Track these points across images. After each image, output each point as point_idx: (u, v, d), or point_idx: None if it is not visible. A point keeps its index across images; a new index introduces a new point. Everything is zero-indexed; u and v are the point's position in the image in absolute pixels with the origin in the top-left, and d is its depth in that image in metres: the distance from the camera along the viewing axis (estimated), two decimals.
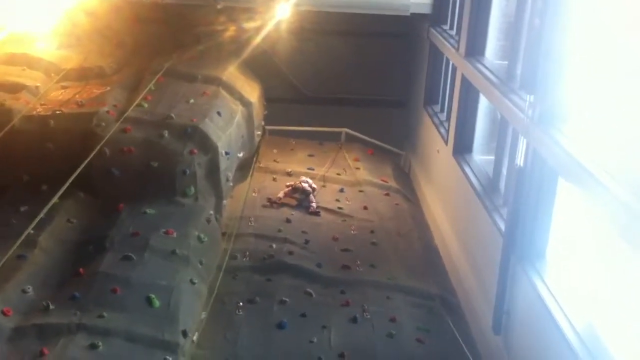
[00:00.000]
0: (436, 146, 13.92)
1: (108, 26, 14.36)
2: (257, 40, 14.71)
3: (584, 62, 8.15)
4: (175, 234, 10.20)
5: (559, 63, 8.32)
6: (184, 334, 8.66)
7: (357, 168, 14.87)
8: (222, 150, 11.75)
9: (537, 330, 8.22)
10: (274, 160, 14.97)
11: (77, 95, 12.55)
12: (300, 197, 13.11)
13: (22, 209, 10.28)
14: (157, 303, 8.83)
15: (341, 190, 13.87)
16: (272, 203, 12.99)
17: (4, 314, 8.30)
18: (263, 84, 15.47)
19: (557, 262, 8.52)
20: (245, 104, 13.89)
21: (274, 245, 11.42)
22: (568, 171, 7.59)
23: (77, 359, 7.86)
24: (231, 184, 12.53)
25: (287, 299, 10.04)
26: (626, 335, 6.72)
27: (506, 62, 10.83)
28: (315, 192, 13.35)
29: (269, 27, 14.70)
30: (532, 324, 8.46)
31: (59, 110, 11.84)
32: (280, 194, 13.12)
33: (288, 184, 13.45)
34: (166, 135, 11.47)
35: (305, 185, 13.25)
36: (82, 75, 13.48)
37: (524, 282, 8.62)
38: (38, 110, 11.90)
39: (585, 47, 8.12)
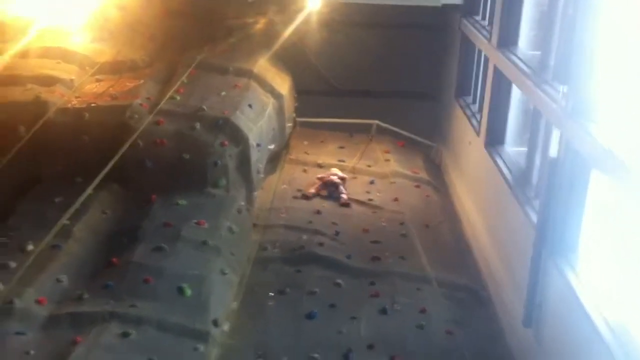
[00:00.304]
0: (468, 138, 13.81)
1: (139, 20, 14.51)
2: (288, 32, 14.73)
3: (619, 52, 8.02)
4: (206, 225, 10.31)
5: (592, 53, 8.18)
6: (215, 323, 8.76)
7: (388, 160, 14.84)
8: (253, 142, 11.83)
9: (568, 324, 8.13)
10: (305, 152, 15.00)
11: (110, 88, 12.73)
12: (330, 189, 13.13)
13: (57, 200, 10.47)
14: (188, 292, 8.94)
15: (372, 182, 13.86)
16: (304, 197, 13.01)
17: (39, 302, 8.49)
18: (293, 76, 15.51)
19: (590, 255, 8.41)
20: (276, 96, 13.95)
21: (304, 237, 11.46)
22: (602, 163, 7.48)
23: (110, 346, 8.00)
24: (262, 176, 12.61)
25: (317, 290, 10.08)
26: None
27: (539, 53, 10.69)
28: (345, 183, 13.35)
29: (299, 20, 14.71)
30: (563, 317, 8.37)
31: (93, 103, 12.02)
32: (312, 189, 13.14)
33: (319, 176, 13.47)
34: (198, 127, 11.57)
35: (334, 178, 13.26)
36: (116, 68, 13.66)
37: (556, 275, 8.53)
38: (73, 103, 12.10)
39: (619, 37, 7.99)
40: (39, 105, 11.64)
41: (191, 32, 15.01)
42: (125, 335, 8.17)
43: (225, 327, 9.02)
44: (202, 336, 8.51)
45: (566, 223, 8.60)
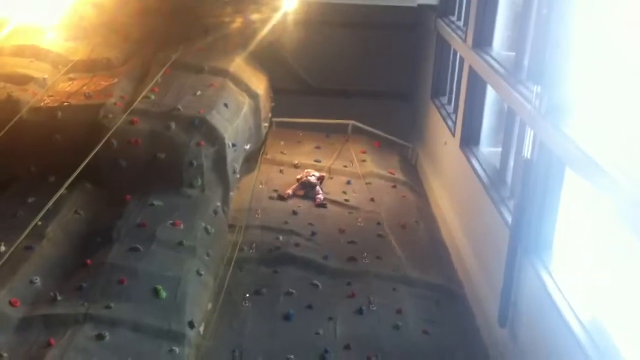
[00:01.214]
0: (443, 138, 13.89)
1: (114, 18, 14.37)
2: (264, 32, 14.69)
3: (592, 52, 8.11)
4: (182, 226, 10.23)
5: (566, 54, 8.28)
6: (191, 324, 8.70)
7: (364, 160, 14.86)
8: (229, 142, 11.76)
9: (543, 323, 8.21)
10: (281, 152, 14.97)
11: (84, 87, 12.58)
12: (307, 190, 13.13)
13: (30, 200, 10.35)
14: (163, 294, 8.87)
15: (348, 183, 13.86)
16: (280, 198, 12.99)
17: (12, 304, 8.36)
18: (270, 75, 15.46)
19: (564, 254, 8.49)
20: (252, 95, 13.89)
21: (281, 237, 11.43)
22: (575, 162, 7.57)
23: (84, 349, 7.91)
24: (238, 176, 12.55)
25: (294, 291, 10.06)
26: (632, 327, 6.70)
27: (513, 53, 10.78)
28: (323, 182, 13.35)
29: (275, 19, 14.67)
30: (538, 316, 8.45)
31: (66, 102, 11.88)
32: (289, 190, 13.12)
33: (298, 177, 13.45)
34: (173, 126, 11.49)
35: (311, 178, 13.26)
36: (90, 67, 13.51)
37: (531, 274, 8.61)
38: (46, 101, 11.95)
39: (592, 38, 8.08)
40: (12, 104, 11.48)
41: (167, 31, 14.90)
42: (99, 337, 8.08)
43: (201, 328, 8.96)
44: (178, 338, 8.44)
45: (541, 222, 8.69)
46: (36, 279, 8.87)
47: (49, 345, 7.84)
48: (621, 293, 7.03)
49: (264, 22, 14.72)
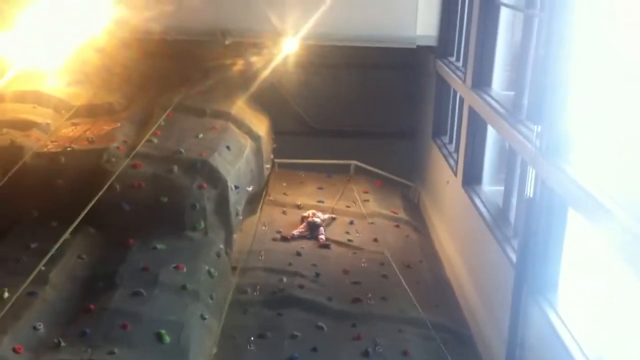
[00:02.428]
0: (445, 177, 13.91)
1: (116, 62, 14.53)
2: (265, 74, 14.84)
3: (590, 90, 8.17)
4: (185, 269, 10.21)
5: (565, 93, 8.34)
6: None
7: (367, 200, 14.88)
8: (231, 185, 11.80)
9: None
10: (284, 193, 15.00)
11: (87, 132, 12.69)
12: (312, 230, 13.13)
13: (32, 245, 10.35)
14: (167, 339, 8.80)
15: (351, 223, 13.86)
16: (284, 239, 12.97)
17: (15, 351, 8.29)
18: (271, 117, 15.59)
19: (570, 293, 8.44)
20: (254, 137, 13.98)
21: (285, 279, 11.39)
22: (577, 201, 7.57)
23: None
24: (241, 218, 12.55)
25: (298, 334, 9.98)
26: None
27: (512, 93, 10.87)
28: (330, 222, 13.34)
29: (276, 61, 14.83)
30: (545, 357, 8.36)
31: (69, 147, 11.95)
32: (295, 232, 13.11)
33: (304, 214, 13.46)
34: (175, 170, 11.54)
35: (317, 219, 13.29)
36: (92, 111, 13.64)
37: (537, 313, 8.54)
38: (49, 147, 12.03)
39: (589, 76, 8.15)
40: (15, 150, 11.56)
41: (168, 74, 15.08)
42: None
43: None
44: None
45: (545, 261, 8.65)
46: (39, 325, 8.81)
47: None
48: (628, 332, 6.97)
49: (265, 64, 14.88)
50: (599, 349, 7.37)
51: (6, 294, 9.01)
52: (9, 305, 8.24)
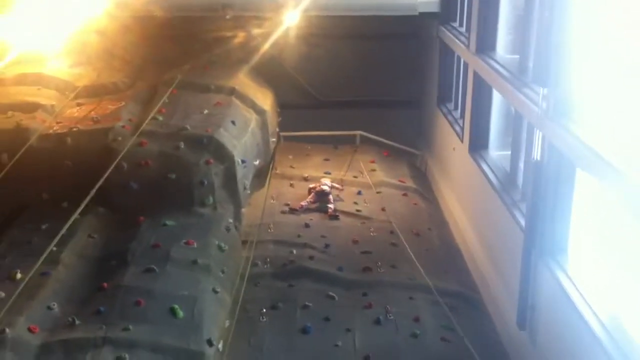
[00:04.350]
0: (452, 144, 13.89)
1: (117, 44, 14.47)
2: (267, 47, 14.76)
3: (595, 51, 8.11)
4: (195, 244, 10.27)
5: (570, 54, 8.27)
6: (209, 342, 8.70)
7: (374, 170, 14.88)
8: (238, 159, 11.81)
9: (562, 324, 8.17)
10: (290, 166, 15.01)
11: (92, 112, 12.69)
12: (322, 199, 13.14)
13: (43, 226, 10.42)
14: (180, 313, 8.88)
15: (359, 193, 13.88)
16: (294, 210, 13.01)
17: (31, 331, 8.39)
18: (275, 90, 15.54)
19: (579, 254, 8.46)
20: (259, 112, 13.96)
21: (294, 251, 11.45)
22: (585, 161, 7.54)
23: None
24: (249, 192, 12.58)
25: (310, 304, 10.06)
26: None
27: (517, 56, 10.78)
28: (340, 191, 13.32)
29: (277, 34, 14.74)
30: (557, 318, 8.41)
31: (75, 128, 11.96)
32: (303, 202, 13.14)
33: (311, 186, 13.48)
34: (182, 146, 11.55)
35: (325, 187, 13.28)
36: (96, 91, 13.64)
37: (547, 276, 8.57)
38: (54, 128, 12.04)
39: (595, 37, 8.08)
40: (21, 132, 11.58)
41: (170, 51, 15.01)
42: (119, 359, 8.09)
43: (220, 345, 8.96)
44: (197, 356, 8.45)
45: (554, 224, 8.66)
46: (54, 305, 8.91)
47: None
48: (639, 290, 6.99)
49: (266, 36, 14.80)
50: (611, 310, 7.40)
51: (19, 275, 9.10)
52: (22, 285, 8.34)
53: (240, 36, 15.00)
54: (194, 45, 15.06)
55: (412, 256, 11.21)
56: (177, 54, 14.94)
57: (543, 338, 8.85)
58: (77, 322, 8.63)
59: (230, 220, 11.36)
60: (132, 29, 14.35)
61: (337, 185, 13.77)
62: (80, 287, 9.47)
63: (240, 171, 11.85)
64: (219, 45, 15.02)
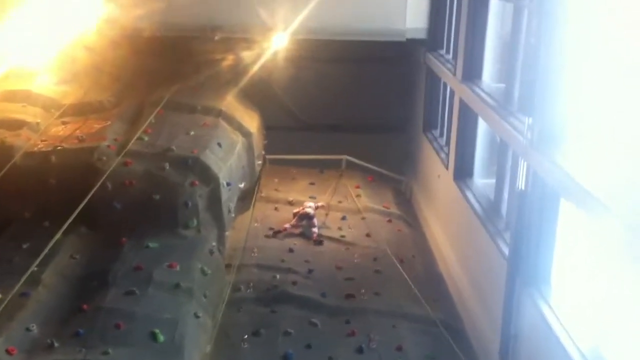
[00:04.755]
0: (437, 171, 13.92)
1: (106, 60, 14.46)
2: (255, 69, 14.79)
3: (582, 81, 8.18)
4: (178, 267, 10.19)
5: (555, 84, 8.34)
6: None
7: (358, 195, 14.88)
8: (223, 181, 11.77)
9: (543, 355, 8.15)
10: (276, 190, 14.98)
11: (77, 131, 12.62)
12: (304, 224, 13.10)
13: (25, 245, 10.31)
14: (161, 338, 8.79)
15: (343, 218, 13.86)
16: (277, 233, 12.97)
17: (9, 353, 8.26)
18: (262, 112, 15.55)
19: (563, 285, 8.47)
20: (245, 134, 13.95)
21: (278, 276, 11.39)
22: (569, 192, 7.58)
23: None
24: (233, 215, 12.53)
25: (292, 330, 9.99)
26: (632, 356, 6.67)
27: (503, 85, 10.87)
28: (317, 210, 13.33)
29: (266, 56, 14.78)
30: (539, 348, 8.39)
31: (59, 146, 11.89)
32: (287, 225, 13.11)
33: (295, 211, 13.45)
34: (167, 167, 11.50)
35: (309, 210, 13.24)
36: (82, 110, 13.58)
37: (530, 306, 8.57)
38: (39, 146, 11.97)
39: (581, 67, 8.15)
40: (5, 150, 11.50)
41: (158, 72, 15.00)
42: None
43: None
44: None
45: (538, 254, 8.67)
46: (32, 326, 8.79)
47: None
48: (621, 322, 6.99)
49: (255, 59, 14.82)
50: (592, 341, 7.40)
51: None
52: (2, 306, 8.20)
53: (229, 59, 15.03)
54: (184, 67, 15.07)
55: (399, 283, 11.16)
56: (166, 74, 14.93)
57: None
58: (55, 344, 8.52)
59: (214, 244, 11.29)
60: (121, 44, 14.34)
61: (321, 204, 13.68)
62: (60, 308, 9.35)
63: (225, 194, 11.80)
64: (208, 67, 15.03)
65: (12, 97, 13.54)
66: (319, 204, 13.60)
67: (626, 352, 6.83)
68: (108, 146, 11.94)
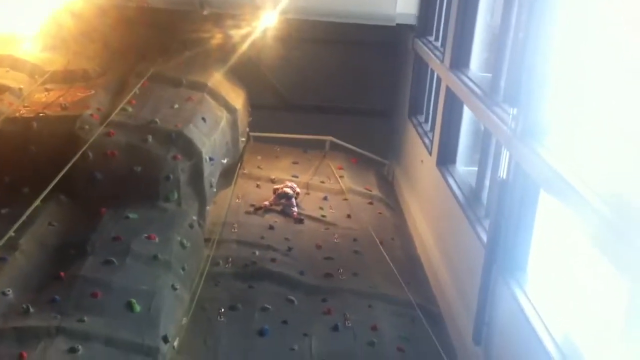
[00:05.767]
0: (420, 156, 13.99)
1: (94, 28, 14.30)
2: (244, 47, 14.72)
3: (567, 75, 8.24)
4: (157, 239, 10.17)
5: (542, 76, 8.40)
6: (165, 339, 8.63)
7: (341, 176, 14.92)
8: (206, 156, 11.74)
9: (517, 341, 8.27)
10: (258, 167, 14.98)
11: (60, 98, 12.50)
12: (284, 202, 13.13)
13: (3, 211, 10.23)
14: (137, 308, 8.79)
15: (325, 198, 13.90)
16: (257, 210, 12.99)
17: None
18: (248, 90, 15.50)
19: (538, 274, 8.58)
20: (230, 110, 13.90)
21: (257, 252, 11.42)
22: (550, 184, 7.66)
23: None
24: (215, 190, 12.52)
25: (269, 306, 10.03)
26: (604, 346, 6.79)
27: (490, 75, 10.91)
28: (298, 197, 13.38)
29: (255, 35, 14.72)
30: (512, 335, 8.52)
31: (42, 113, 11.78)
32: (266, 202, 13.13)
33: (275, 187, 13.47)
34: (150, 139, 11.44)
35: (288, 190, 13.27)
36: (66, 78, 13.44)
37: (505, 293, 8.68)
38: (21, 112, 11.84)
39: (568, 60, 8.22)
40: None
41: (146, 43, 14.88)
42: (72, 350, 7.99)
43: (175, 343, 8.89)
44: (152, 352, 8.37)
45: (515, 242, 8.77)
46: (8, 291, 8.75)
47: (20, 358, 7.72)
48: (594, 312, 7.11)
49: (243, 37, 14.75)
50: (566, 329, 7.52)
51: None
52: None
53: (217, 36, 14.94)
54: (171, 42, 14.97)
55: (373, 265, 11.24)
56: (154, 44, 14.81)
57: (497, 354, 8.95)
58: (31, 309, 8.49)
59: (194, 218, 11.28)
60: (110, 12, 14.18)
61: (299, 191, 13.62)
62: (37, 275, 9.30)
63: (207, 168, 11.78)
64: (195, 44, 14.93)
65: None
66: (298, 190, 13.57)
67: (597, 339, 6.95)
68: (91, 115, 11.84)
